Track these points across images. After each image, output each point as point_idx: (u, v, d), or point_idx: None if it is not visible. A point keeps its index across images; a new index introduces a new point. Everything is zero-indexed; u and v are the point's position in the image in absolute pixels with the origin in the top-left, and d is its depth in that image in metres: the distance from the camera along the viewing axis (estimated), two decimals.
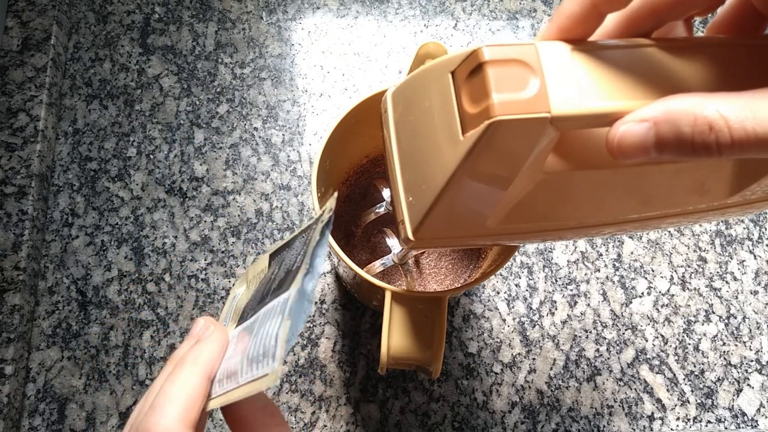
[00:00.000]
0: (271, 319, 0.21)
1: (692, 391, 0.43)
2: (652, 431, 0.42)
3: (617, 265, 0.46)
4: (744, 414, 0.43)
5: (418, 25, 0.53)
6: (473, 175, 0.20)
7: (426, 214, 0.22)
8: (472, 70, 0.18)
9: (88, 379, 0.41)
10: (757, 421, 0.43)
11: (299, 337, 0.43)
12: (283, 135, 0.49)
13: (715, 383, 0.43)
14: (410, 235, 0.23)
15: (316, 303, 0.44)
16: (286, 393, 0.41)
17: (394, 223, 0.41)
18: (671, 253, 0.47)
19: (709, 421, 0.42)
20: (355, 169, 0.43)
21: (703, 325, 0.45)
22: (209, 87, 0.50)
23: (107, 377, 0.42)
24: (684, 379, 0.43)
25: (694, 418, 0.42)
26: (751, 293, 0.46)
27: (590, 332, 0.44)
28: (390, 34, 0.53)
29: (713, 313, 0.45)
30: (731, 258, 0.47)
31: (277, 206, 0.46)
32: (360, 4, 0.53)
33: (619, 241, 0.47)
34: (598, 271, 0.46)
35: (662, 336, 0.44)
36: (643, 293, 0.45)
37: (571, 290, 0.45)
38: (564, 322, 0.44)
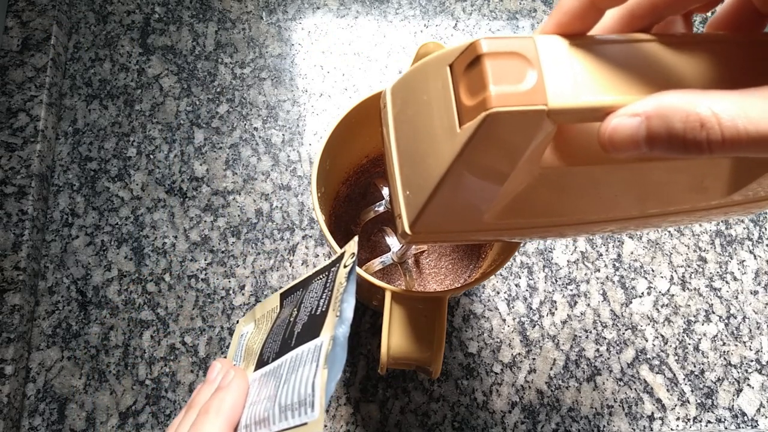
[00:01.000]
0: (303, 366, 0.21)
1: (692, 391, 0.43)
2: (652, 431, 0.42)
3: (617, 265, 0.46)
4: (744, 414, 0.43)
5: (418, 25, 0.53)
6: (470, 168, 0.20)
7: (423, 208, 0.22)
8: (470, 63, 0.18)
9: (88, 379, 0.41)
10: (757, 421, 0.43)
11: None
12: (283, 135, 0.49)
13: (715, 383, 0.43)
14: (407, 230, 0.23)
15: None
16: None
17: (393, 221, 0.41)
18: (671, 253, 0.47)
19: (709, 421, 0.42)
20: (355, 169, 0.43)
21: (703, 325, 0.45)
22: (209, 87, 0.50)
23: (107, 377, 0.41)
24: (684, 379, 0.43)
25: (694, 418, 0.42)
26: (751, 293, 0.46)
27: (590, 332, 0.44)
28: (390, 34, 0.52)
29: (713, 313, 0.45)
30: (731, 258, 0.47)
31: (277, 206, 0.46)
32: (360, 4, 0.53)
33: (619, 241, 0.47)
34: (598, 271, 0.46)
35: (662, 336, 0.44)
36: (643, 293, 0.45)
37: (571, 290, 0.45)
38: (564, 322, 0.44)
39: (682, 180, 0.22)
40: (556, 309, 0.44)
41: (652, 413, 0.42)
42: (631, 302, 0.45)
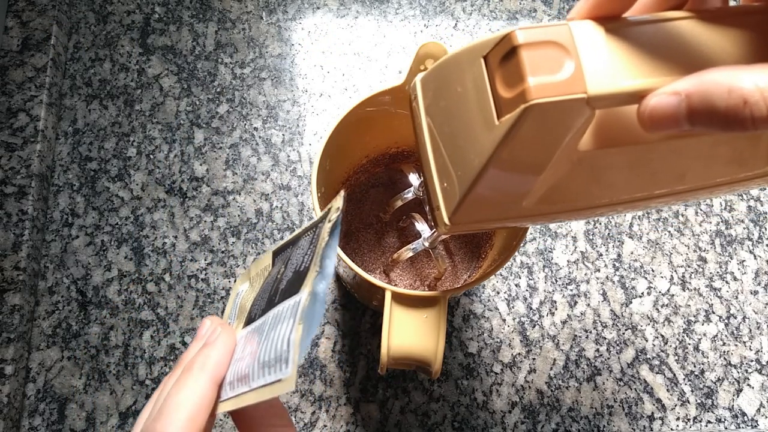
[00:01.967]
0: (282, 322, 0.21)
1: (692, 391, 0.43)
2: (652, 431, 0.42)
3: (617, 265, 0.46)
4: (744, 414, 0.43)
5: (418, 25, 0.53)
6: (510, 159, 0.20)
7: (462, 200, 0.22)
8: (505, 54, 0.18)
9: (88, 379, 0.41)
10: (757, 421, 0.43)
11: None
12: (283, 135, 0.49)
13: (715, 383, 0.43)
14: (446, 221, 0.23)
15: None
16: (286, 393, 0.41)
17: (420, 207, 0.41)
18: (671, 253, 0.47)
19: (709, 421, 0.42)
20: (355, 169, 0.43)
21: (703, 325, 0.45)
22: (209, 87, 0.50)
23: (107, 377, 0.41)
24: (684, 379, 0.43)
25: (694, 418, 0.42)
26: (751, 293, 0.46)
27: (590, 332, 0.44)
28: (390, 34, 0.53)
29: (713, 313, 0.45)
30: (731, 258, 0.47)
31: (277, 206, 0.46)
32: (360, 4, 0.53)
33: (619, 241, 0.47)
34: (598, 271, 0.46)
35: (662, 336, 0.44)
36: (643, 293, 0.45)
37: (571, 290, 0.45)
38: (564, 322, 0.44)
39: (721, 153, 0.22)
40: (556, 309, 0.44)
41: (652, 413, 0.42)
42: (631, 302, 0.45)
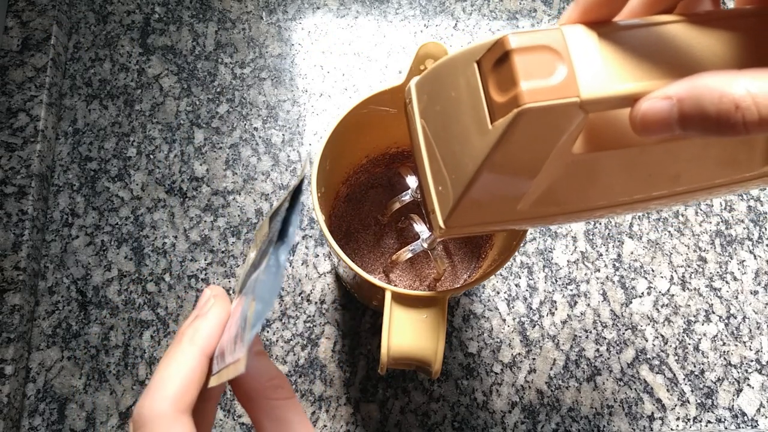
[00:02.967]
0: (247, 295, 0.20)
1: (692, 391, 0.43)
2: (652, 431, 0.42)
3: (617, 265, 0.46)
4: (744, 414, 0.43)
5: (418, 25, 0.53)
6: (503, 163, 0.20)
7: (456, 203, 0.22)
8: (498, 59, 0.18)
9: (88, 379, 0.41)
10: (757, 421, 0.43)
11: (299, 337, 0.43)
12: (283, 135, 0.49)
13: (715, 383, 0.43)
14: (441, 224, 0.24)
15: (316, 303, 0.44)
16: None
17: (419, 209, 0.41)
18: (671, 253, 0.47)
19: (709, 421, 0.42)
20: (355, 169, 0.43)
21: (703, 325, 0.45)
22: (209, 87, 0.50)
23: (107, 377, 0.42)
24: (684, 379, 0.43)
25: (694, 418, 0.42)
26: (751, 293, 0.46)
27: (590, 332, 0.44)
28: (390, 34, 0.53)
29: (713, 313, 0.45)
30: (731, 258, 0.47)
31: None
32: (360, 4, 0.53)
33: (619, 241, 0.47)
34: (598, 271, 0.46)
35: (662, 336, 0.44)
36: (643, 293, 0.45)
37: (571, 290, 0.45)
38: (564, 322, 0.44)
39: (715, 154, 0.22)
40: (556, 309, 0.44)
41: (652, 413, 0.42)
42: (631, 302, 0.45)
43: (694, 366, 0.44)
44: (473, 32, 0.53)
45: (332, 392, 0.42)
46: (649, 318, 0.45)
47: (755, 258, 0.47)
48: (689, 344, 0.44)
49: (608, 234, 0.47)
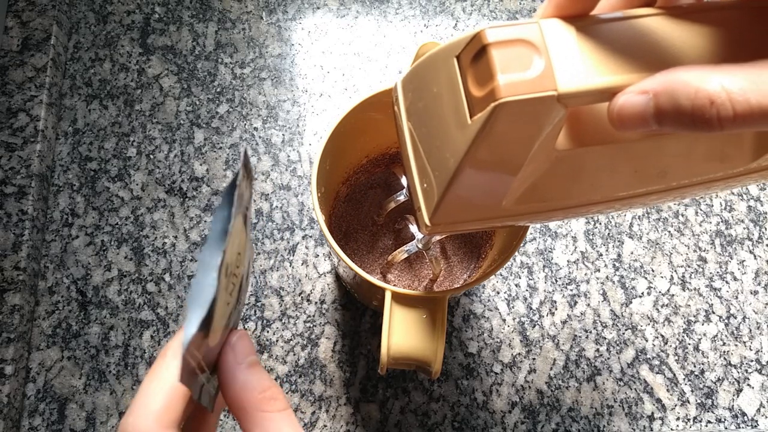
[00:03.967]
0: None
1: (692, 391, 0.43)
2: (652, 431, 0.42)
3: (617, 265, 0.46)
4: (744, 414, 0.43)
5: (418, 25, 0.53)
6: (484, 158, 0.20)
7: (440, 200, 0.22)
8: (476, 53, 0.18)
9: (88, 379, 0.41)
10: (757, 421, 0.43)
11: (299, 337, 0.43)
12: (283, 135, 0.49)
13: (715, 383, 0.43)
14: (427, 221, 0.23)
15: (316, 303, 0.44)
16: (286, 393, 0.41)
17: (413, 212, 0.41)
18: (671, 253, 0.47)
19: (709, 421, 0.42)
20: (355, 169, 0.43)
21: (703, 325, 0.45)
22: (209, 87, 0.50)
23: (107, 377, 0.42)
24: (684, 379, 0.43)
25: (694, 418, 0.42)
26: (751, 293, 0.46)
27: (590, 332, 0.44)
28: (390, 34, 0.53)
29: (713, 313, 0.45)
30: (731, 258, 0.47)
31: (277, 206, 0.46)
32: (360, 4, 0.53)
33: (619, 241, 0.47)
34: (598, 271, 0.46)
35: (662, 336, 0.44)
36: (643, 293, 0.45)
37: (571, 290, 0.45)
38: (564, 322, 0.44)
39: (702, 150, 0.22)
40: (556, 309, 0.44)
41: (652, 413, 0.42)
42: (631, 302, 0.45)
43: (694, 366, 0.44)
44: None
45: (332, 392, 0.42)
46: (649, 318, 0.45)
47: (755, 258, 0.47)
48: (689, 344, 0.44)
49: (608, 234, 0.47)
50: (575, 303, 0.45)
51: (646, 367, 0.43)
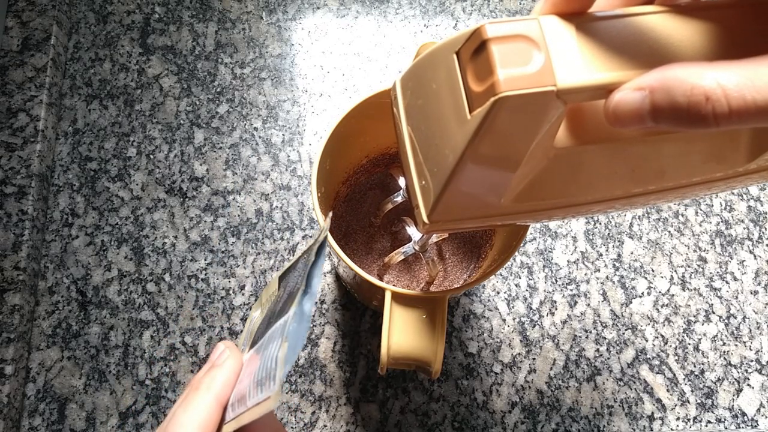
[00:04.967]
0: (274, 341, 0.21)
1: (692, 391, 0.43)
2: (652, 431, 0.42)
3: (617, 265, 0.46)
4: (744, 414, 0.43)
5: (418, 25, 0.53)
6: (483, 154, 0.20)
7: (439, 197, 0.22)
8: (476, 49, 0.18)
9: (88, 379, 0.41)
10: (757, 421, 0.43)
11: None
12: (283, 135, 0.49)
13: (715, 383, 0.43)
14: (425, 219, 0.23)
15: (316, 303, 0.44)
16: (286, 393, 0.41)
17: (411, 211, 0.41)
18: (671, 253, 0.47)
19: (709, 421, 0.42)
20: (355, 169, 0.43)
21: (703, 325, 0.45)
22: (209, 87, 0.50)
23: (107, 377, 0.42)
24: (684, 379, 0.43)
25: (694, 418, 0.42)
26: (751, 293, 0.46)
27: (590, 332, 0.44)
28: (390, 34, 0.53)
29: (713, 313, 0.45)
30: (731, 258, 0.47)
31: (277, 206, 0.46)
32: (360, 4, 0.53)
33: (619, 241, 0.47)
34: (598, 271, 0.46)
35: (662, 336, 0.44)
36: (643, 293, 0.45)
37: (571, 290, 0.45)
38: (564, 322, 0.44)
39: (699, 150, 0.22)
40: (556, 309, 0.44)
41: (652, 413, 0.42)
42: (631, 302, 0.45)
43: (694, 366, 0.44)
44: None
45: (332, 392, 0.42)
46: (649, 318, 0.45)
47: (755, 258, 0.47)
48: (689, 344, 0.44)
49: (608, 234, 0.47)
50: (575, 303, 0.45)
51: (646, 367, 0.43)
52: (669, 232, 0.47)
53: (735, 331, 0.45)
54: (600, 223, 0.47)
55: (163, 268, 0.44)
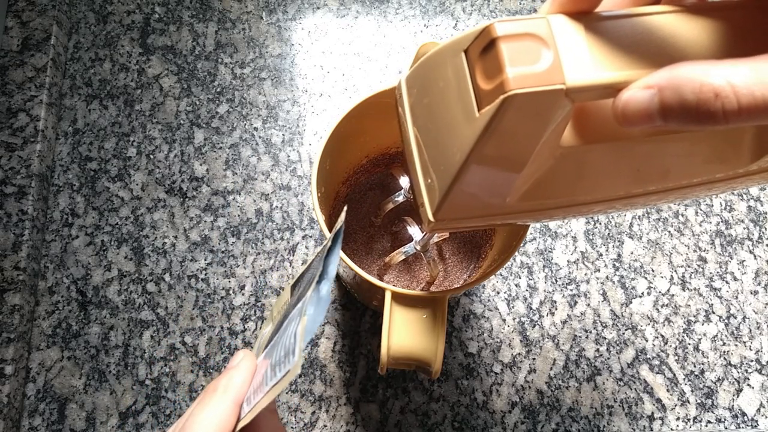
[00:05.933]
0: (291, 324, 0.21)
1: (692, 391, 0.43)
2: (652, 431, 0.42)
3: (617, 265, 0.46)
4: (744, 414, 0.43)
5: (418, 25, 0.53)
6: (491, 153, 0.20)
7: (445, 195, 0.22)
8: (485, 47, 0.18)
9: (88, 379, 0.41)
10: (757, 421, 0.43)
11: None
12: (283, 135, 0.49)
13: (715, 383, 0.43)
14: (430, 217, 0.24)
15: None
16: (286, 393, 0.41)
17: (413, 211, 0.41)
18: (671, 253, 0.47)
19: (709, 421, 0.42)
20: (355, 169, 0.43)
21: (703, 325, 0.45)
22: (209, 87, 0.50)
23: (107, 377, 0.42)
24: (684, 379, 0.43)
25: (694, 418, 0.42)
26: (751, 293, 0.46)
27: (590, 332, 0.44)
28: (390, 34, 0.53)
29: (713, 313, 0.45)
30: (731, 258, 0.47)
31: (277, 206, 0.46)
32: (360, 4, 0.53)
33: (619, 241, 0.47)
34: (598, 271, 0.46)
35: (662, 336, 0.44)
36: (643, 293, 0.45)
37: (571, 290, 0.45)
38: (564, 322, 0.44)
39: (703, 150, 0.22)
40: (556, 309, 0.44)
41: (652, 413, 0.42)
42: (631, 302, 0.45)
43: (694, 366, 0.44)
44: None
45: (332, 392, 0.42)
46: (649, 318, 0.45)
47: (755, 258, 0.47)
48: (689, 344, 0.44)
49: (608, 234, 0.47)
50: (575, 303, 0.45)
51: (646, 367, 0.43)
52: (669, 232, 0.47)
53: (735, 331, 0.45)
54: (600, 223, 0.47)
55: (163, 268, 0.44)
